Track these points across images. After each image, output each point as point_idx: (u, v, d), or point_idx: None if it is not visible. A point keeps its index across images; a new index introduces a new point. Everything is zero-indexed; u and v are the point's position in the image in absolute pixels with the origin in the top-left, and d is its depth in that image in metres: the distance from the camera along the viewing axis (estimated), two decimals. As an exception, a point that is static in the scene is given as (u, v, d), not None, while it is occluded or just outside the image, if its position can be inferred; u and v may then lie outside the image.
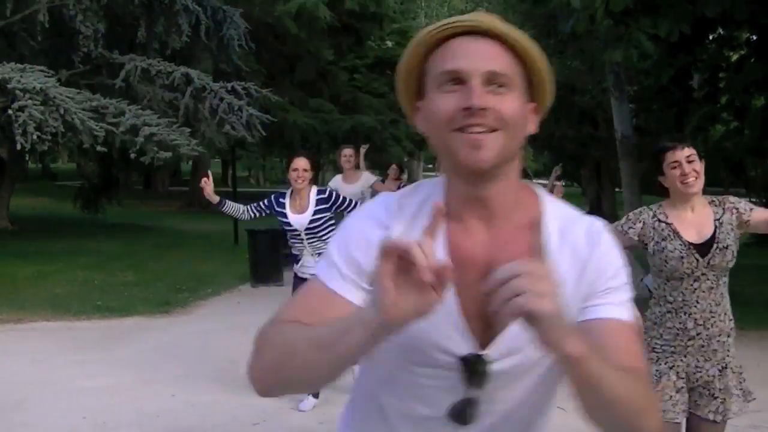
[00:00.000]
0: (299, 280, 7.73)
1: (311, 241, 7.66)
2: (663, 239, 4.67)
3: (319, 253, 7.51)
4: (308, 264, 7.62)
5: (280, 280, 15.01)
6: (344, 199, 7.93)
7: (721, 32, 15.19)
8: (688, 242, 4.59)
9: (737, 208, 4.71)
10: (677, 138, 4.71)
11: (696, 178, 4.59)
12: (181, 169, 57.64)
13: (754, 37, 15.12)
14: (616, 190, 36.66)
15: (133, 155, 16.78)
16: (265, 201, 7.89)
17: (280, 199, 7.74)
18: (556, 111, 34.20)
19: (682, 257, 4.56)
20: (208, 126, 19.69)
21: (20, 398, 7.73)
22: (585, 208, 38.60)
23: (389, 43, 50.43)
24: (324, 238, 7.61)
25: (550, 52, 32.81)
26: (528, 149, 50.87)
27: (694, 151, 4.66)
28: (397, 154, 37.83)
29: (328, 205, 7.68)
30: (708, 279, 4.58)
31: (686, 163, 4.55)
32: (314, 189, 7.75)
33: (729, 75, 16.13)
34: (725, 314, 4.66)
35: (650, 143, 32.23)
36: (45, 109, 15.01)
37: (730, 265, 4.63)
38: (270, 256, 15.19)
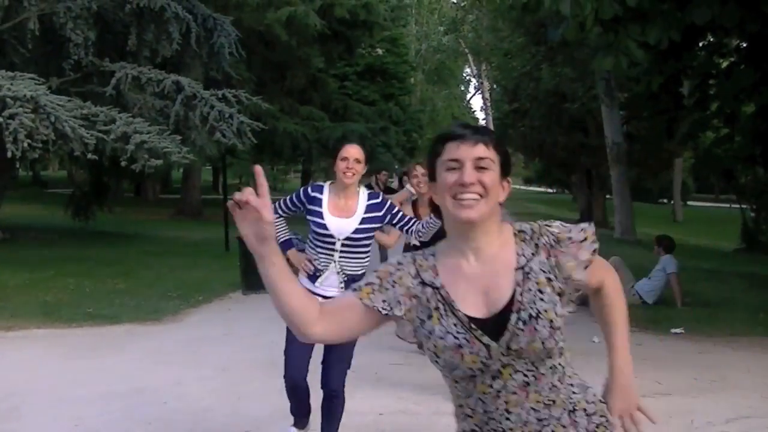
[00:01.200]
0: None
1: (345, 255, 6.08)
2: (428, 317, 2.76)
3: (349, 275, 6.08)
4: (331, 283, 6.09)
5: (271, 288, 14.97)
6: (403, 214, 6.33)
7: (711, 39, 15.24)
8: (467, 317, 2.70)
9: (561, 250, 2.78)
10: (473, 127, 2.79)
11: (481, 195, 2.67)
12: (172, 177, 57.60)
13: (744, 44, 15.18)
14: (607, 197, 36.74)
15: (123, 163, 16.76)
16: (291, 198, 6.26)
17: (314, 193, 6.17)
18: (547, 118, 34.32)
19: (460, 345, 2.68)
20: (198, 134, 19.69)
21: (11, 406, 7.70)
22: (576, 215, 38.70)
23: (380, 51, 50.58)
24: (361, 257, 6.16)
25: (540, 59, 33.02)
26: (519, 157, 50.94)
27: (491, 152, 2.71)
28: (388, 161, 37.85)
29: (380, 214, 6.18)
30: (518, 372, 2.70)
31: (472, 168, 2.65)
32: (364, 190, 6.29)
33: (719, 82, 16.18)
34: (569, 412, 2.80)
35: (641, 150, 32.43)
36: (36, 117, 14.99)
37: (557, 345, 2.71)
38: (261, 263, 15.17)
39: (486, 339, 2.67)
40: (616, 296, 3.21)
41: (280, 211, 6.20)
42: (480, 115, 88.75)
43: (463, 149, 2.70)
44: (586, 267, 2.84)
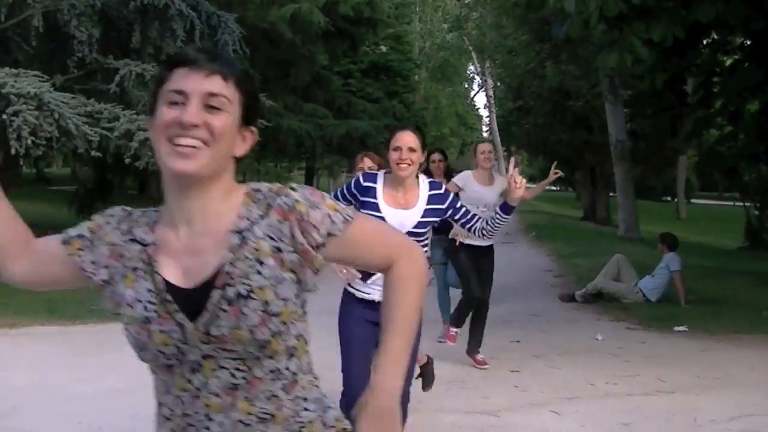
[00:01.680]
0: (355, 303, 5.68)
1: None
2: (123, 277, 2.24)
3: None
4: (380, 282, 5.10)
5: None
6: (466, 209, 5.70)
7: (715, 37, 15.23)
8: (165, 284, 2.17)
9: (300, 211, 2.17)
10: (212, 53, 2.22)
11: (205, 143, 2.10)
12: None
13: (748, 42, 15.17)
14: (611, 194, 36.71)
15: (127, 160, 16.76)
16: (342, 192, 5.64)
17: (366, 183, 5.55)
18: (551, 116, 34.32)
19: (147, 319, 2.14)
20: (202, 131, 19.69)
21: (14, 404, 7.70)
22: (579, 213, 38.70)
23: (384, 48, 50.58)
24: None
25: (544, 56, 33.02)
26: (523, 154, 50.91)
27: (230, 90, 2.15)
28: (391, 158, 37.79)
29: (444, 206, 5.56)
30: (223, 368, 2.12)
31: (199, 106, 2.09)
32: (424, 178, 5.66)
33: (723, 79, 16.18)
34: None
35: (645, 148, 32.43)
36: (39, 114, 14.99)
37: (281, 341, 2.11)
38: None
39: (180, 316, 2.11)
40: (406, 287, 2.35)
41: None
42: (484, 113, 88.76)
43: (193, 80, 2.10)
44: (335, 237, 2.21)
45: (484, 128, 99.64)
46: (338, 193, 5.63)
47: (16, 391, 8.11)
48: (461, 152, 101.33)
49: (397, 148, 5.37)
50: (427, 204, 5.44)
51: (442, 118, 72.65)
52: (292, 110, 35.45)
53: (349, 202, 5.48)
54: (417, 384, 7.98)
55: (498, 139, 55.15)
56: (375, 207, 5.39)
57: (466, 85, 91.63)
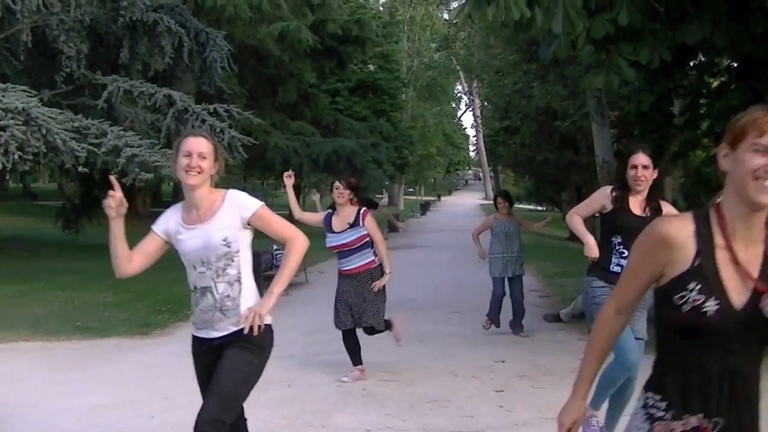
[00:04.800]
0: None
1: None
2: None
3: None
4: None
5: (260, 302, 14.97)
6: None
7: (702, 59, 15.28)
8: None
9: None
10: None
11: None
12: (162, 191, 57.55)
13: (735, 64, 15.23)
14: (596, 215, 36.77)
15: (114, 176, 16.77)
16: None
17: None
18: (538, 136, 34.40)
19: None
20: (189, 147, 19.66)
21: (-1, 419, 7.69)
22: (565, 233, 38.75)
23: (371, 67, 50.69)
24: None
25: (531, 77, 33.10)
26: (509, 174, 51.08)
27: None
28: (378, 177, 37.82)
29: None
30: None
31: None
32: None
33: (709, 101, 16.23)
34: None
35: (631, 169, 32.39)
36: (27, 129, 15.00)
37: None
38: (250, 277, 15.13)
39: None
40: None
41: None
42: (471, 132, 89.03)
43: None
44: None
45: (471, 148, 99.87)
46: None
47: (1, 406, 8.08)
48: (448, 171, 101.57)
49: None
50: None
51: (429, 137, 72.76)
52: (280, 128, 35.51)
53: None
54: (406, 401, 7.97)
55: (485, 159, 55.31)
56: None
57: (454, 105, 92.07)
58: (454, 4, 65.40)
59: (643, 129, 18.16)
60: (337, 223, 9.42)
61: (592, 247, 6.33)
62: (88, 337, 11.98)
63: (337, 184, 9.48)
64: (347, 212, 9.38)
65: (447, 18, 74.56)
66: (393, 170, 49.66)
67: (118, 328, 12.54)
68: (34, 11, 17.70)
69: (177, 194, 36.85)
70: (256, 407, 7.78)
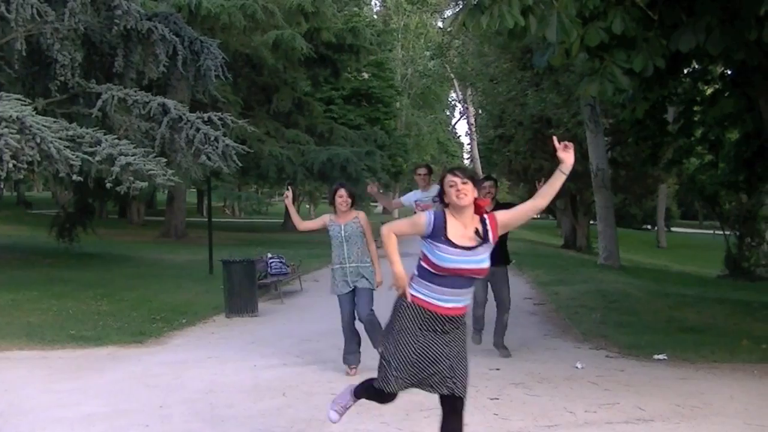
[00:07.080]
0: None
1: None
2: None
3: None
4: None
5: (255, 311, 14.98)
6: None
7: (696, 66, 15.30)
8: None
9: None
10: None
11: None
12: (157, 199, 57.54)
13: (728, 72, 15.25)
14: (591, 222, 36.81)
15: (108, 185, 16.74)
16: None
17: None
18: (532, 144, 34.43)
19: None
20: (184, 156, 19.65)
21: (-7, 428, 7.67)
22: (560, 241, 38.76)
23: (366, 75, 50.74)
24: None
25: (525, 85, 33.15)
26: (503, 182, 51.22)
27: None
28: (373, 185, 37.79)
29: None
30: None
31: None
32: None
33: (703, 109, 16.28)
34: None
35: (625, 176, 32.54)
36: (21, 138, 14.97)
37: None
38: (245, 286, 15.13)
39: None
40: None
41: None
42: (465, 140, 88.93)
43: None
44: None
45: (465, 155, 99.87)
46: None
47: (-5, 416, 8.07)
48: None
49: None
50: None
51: (423, 145, 72.83)
52: (274, 136, 35.55)
53: None
54: (401, 408, 7.97)
55: (479, 167, 55.26)
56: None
57: (448, 113, 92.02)
58: (448, 13, 65.42)
59: (637, 136, 18.20)
60: (457, 232, 5.83)
61: None
62: (83, 346, 11.95)
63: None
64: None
65: (441, 26, 74.58)
66: (387, 178, 49.66)
67: (113, 337, 12.51)
68: (29, 20, 17.68)
69: (171, 203, 36.84)
70: (250, 416, 7.77)
